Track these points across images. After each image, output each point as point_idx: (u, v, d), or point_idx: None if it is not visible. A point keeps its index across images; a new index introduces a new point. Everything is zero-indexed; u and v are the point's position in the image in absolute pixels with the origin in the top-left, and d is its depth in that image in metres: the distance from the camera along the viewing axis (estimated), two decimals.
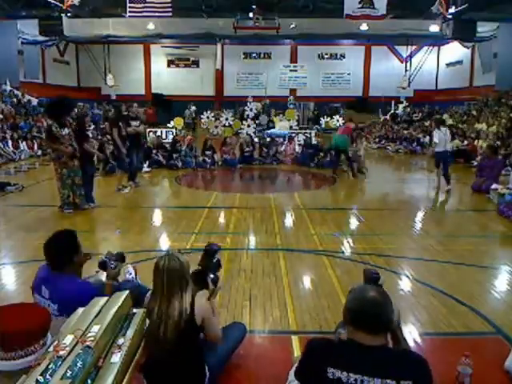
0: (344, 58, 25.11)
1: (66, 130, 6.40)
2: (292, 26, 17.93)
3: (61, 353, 1.97)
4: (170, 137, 14.58)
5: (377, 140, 18.42)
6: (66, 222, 6.10)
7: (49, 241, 2.51)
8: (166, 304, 2.17)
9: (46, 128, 6.58)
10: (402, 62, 24.12)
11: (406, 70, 23.62)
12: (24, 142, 13.30)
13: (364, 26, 17.43)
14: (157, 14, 16.30)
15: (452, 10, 16.52)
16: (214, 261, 2.65)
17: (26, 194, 8.11)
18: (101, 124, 17.92)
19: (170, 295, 2.17)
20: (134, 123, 8.20)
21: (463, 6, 15.83)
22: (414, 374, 1.53)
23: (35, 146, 13.66)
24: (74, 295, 2.36)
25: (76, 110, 7.26)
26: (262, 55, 25.04)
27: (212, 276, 2.52)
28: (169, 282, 2.17)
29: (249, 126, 14.83)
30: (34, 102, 17.97)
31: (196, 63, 25.26)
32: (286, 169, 11.88)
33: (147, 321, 2.29)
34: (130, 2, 15.90)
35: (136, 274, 3.17)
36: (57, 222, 6.18)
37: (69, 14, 17.15)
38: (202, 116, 16.98)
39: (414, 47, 23.34)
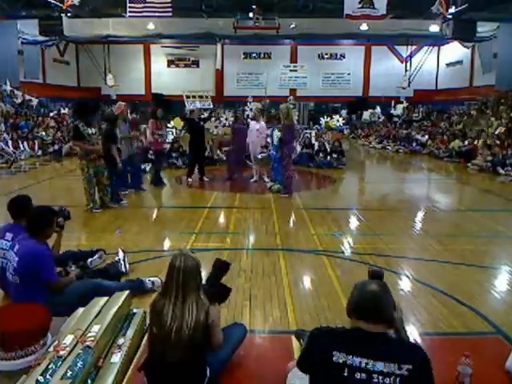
0: (344, 58, 25.12)
1: (93, 130, 6.52)
2: (292, 26, 17.93)
3: (61, 353, 1.98)
4: (170, 137, 14.60)
5: (377, 140, 18.44)
6: None
7: (34, 209, 3.31)
8: (181, 305, 2.13)
9: (73, 126, 6.76)
10: (402, 62, 24.13)
11: (406, 70, 23.64)
12: (24, 142, 13.30)
13: (364, 26, 17.44)
14: (157, 14, 16.29)
15: (452, 10, 16.52)
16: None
17: (26, 194, 8.09)
18: (101, 124, 17.90)
19: (185, 296, 2.14)
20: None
21: (463, 6, 15.83)
22: (413, 359, 1.63)
23: (36, 146, 13.66)
24: (32, 251, 3.01)
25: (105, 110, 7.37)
26: (261, 55, 25.04)
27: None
28: (185, 282, 2.13)
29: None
30: (34, 101, 17.97)
31: (196, 63, 25.27)
32: None
33: (147, 321, 2.29)
34: (130, 2, 15.89)
35: (125, 258, 3.98)
36: None
37: (69, 14, 17.14)
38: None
39: (414, 47, 23.36)
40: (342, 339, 1.70)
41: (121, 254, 4.07)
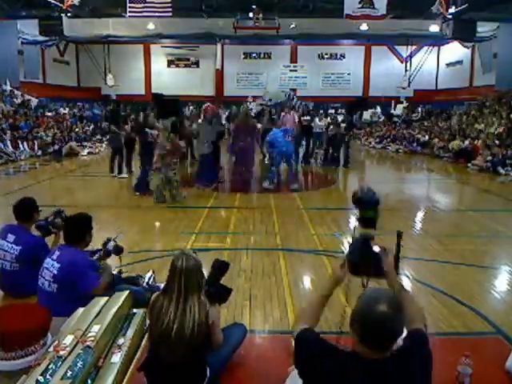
0: (344, 58, 25.10)
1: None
2: (292, 26, 17.93)
3: (61, 353, 1.98)
4: None
5: (377, 140, 18.43)
6: None
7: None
8: (182, 305, 2.13)
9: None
10: (402, 62, 24.11)
11: (405, 70, 23.61)
12: (24, 142, 13.29)
13: (364, 26, 17.42)
14: (157, 14, 16.29)
15: (452, 10, 16.52)
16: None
17: (26, 194, 8.09)
18: (102, 124, 17.97)
19: (187, 296, 2.15)
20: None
21: (463, 6, 15.82)
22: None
23: (35, 146, 13.65)
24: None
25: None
26: (261, 55, 25.02)
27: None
28: (186, 282, 2.14)
29: None
30: (34, 101, 17.97)
31: (196, 63, 25.24)
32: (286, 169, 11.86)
33: (147, 320, 2.29)
34: (130, 2, 15.89)
35: (154, 277, 3.65)
36: None
37: (69, 14, 17.14)
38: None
39: (414, 47, 23.33)
40: (342, 366, 1.51)
41: (149, 274, 3.75)
